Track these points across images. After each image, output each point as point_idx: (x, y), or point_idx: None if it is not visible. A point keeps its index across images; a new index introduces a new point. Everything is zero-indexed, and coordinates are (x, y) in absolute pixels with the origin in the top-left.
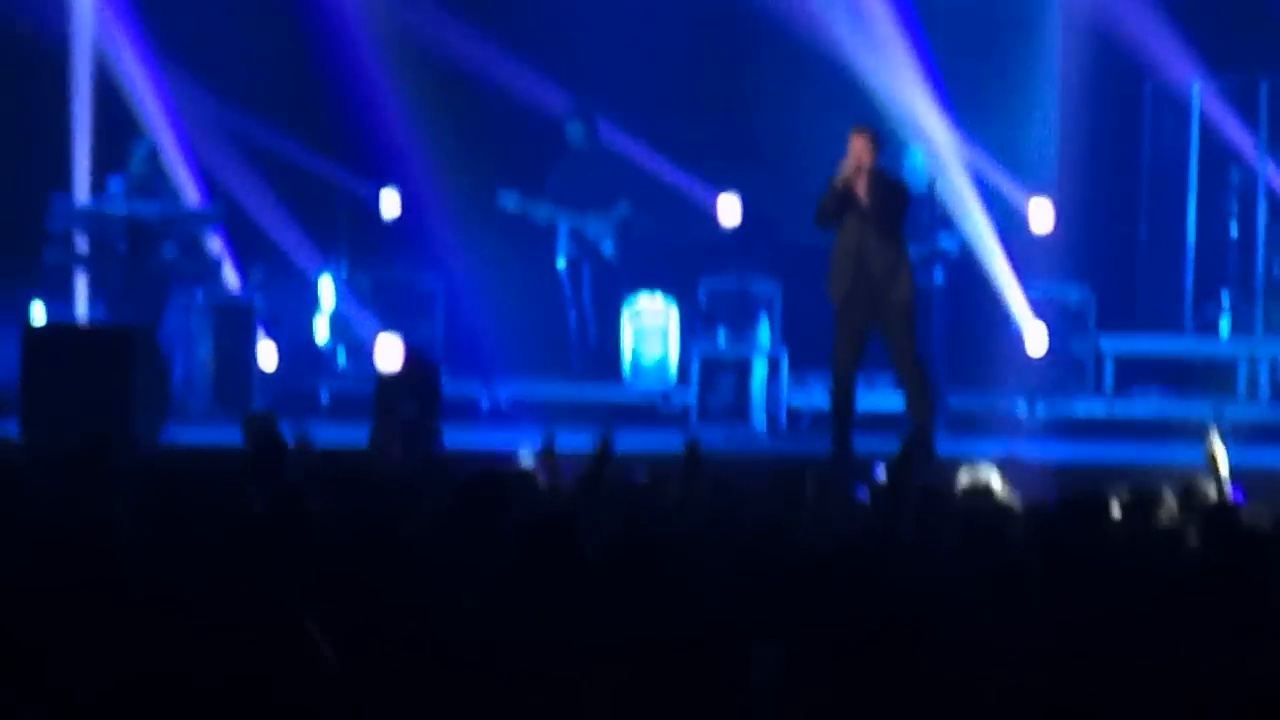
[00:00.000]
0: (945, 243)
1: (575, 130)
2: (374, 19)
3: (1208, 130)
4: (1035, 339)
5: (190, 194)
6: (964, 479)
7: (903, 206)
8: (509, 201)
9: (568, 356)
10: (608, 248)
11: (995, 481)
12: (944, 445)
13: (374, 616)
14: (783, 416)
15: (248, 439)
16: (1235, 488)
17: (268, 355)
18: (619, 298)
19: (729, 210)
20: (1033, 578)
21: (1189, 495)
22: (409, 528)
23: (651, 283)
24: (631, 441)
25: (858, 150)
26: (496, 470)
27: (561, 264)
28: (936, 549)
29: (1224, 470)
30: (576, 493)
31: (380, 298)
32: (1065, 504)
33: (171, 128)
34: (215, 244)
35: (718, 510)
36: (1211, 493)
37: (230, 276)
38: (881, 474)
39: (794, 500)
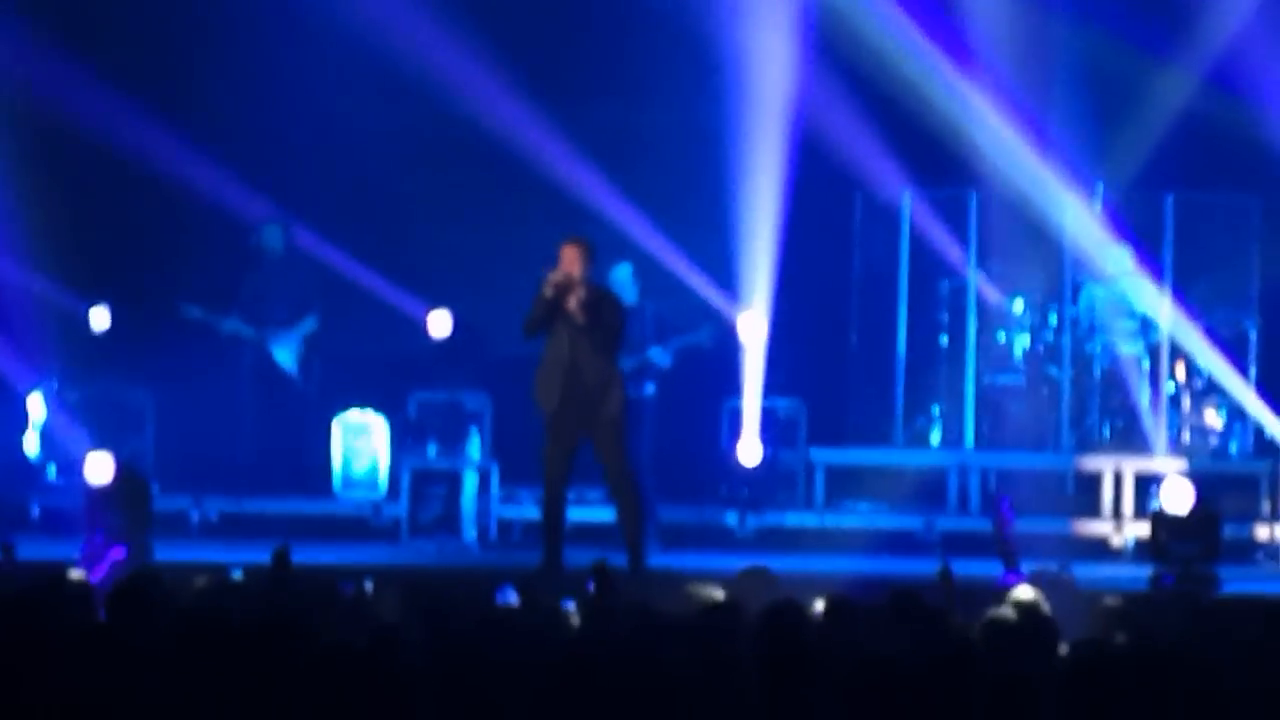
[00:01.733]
0: (655, 356)
1: (273, 236)
2: (74, 125)
3: (918, 241)
4: (747, 451)
5: None
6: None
7: (618, 321)
8: (192, 314)
9: (277, 470)
10: (290, 363)
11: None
12: (655, 558)
13: None
14: (493, 528)
15: None
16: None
17: None
18: (329, 410)
19: (438, 323)
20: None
21: (902, 605)
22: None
23: (361, 395)
24: (341, 555)
25: (569, 261)
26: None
27: (249, 377)
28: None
29: (950, 583)
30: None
31: (91, 412)
32: (771, 613)
33: None
34: None
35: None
36: (928, 602)
37: None
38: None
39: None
